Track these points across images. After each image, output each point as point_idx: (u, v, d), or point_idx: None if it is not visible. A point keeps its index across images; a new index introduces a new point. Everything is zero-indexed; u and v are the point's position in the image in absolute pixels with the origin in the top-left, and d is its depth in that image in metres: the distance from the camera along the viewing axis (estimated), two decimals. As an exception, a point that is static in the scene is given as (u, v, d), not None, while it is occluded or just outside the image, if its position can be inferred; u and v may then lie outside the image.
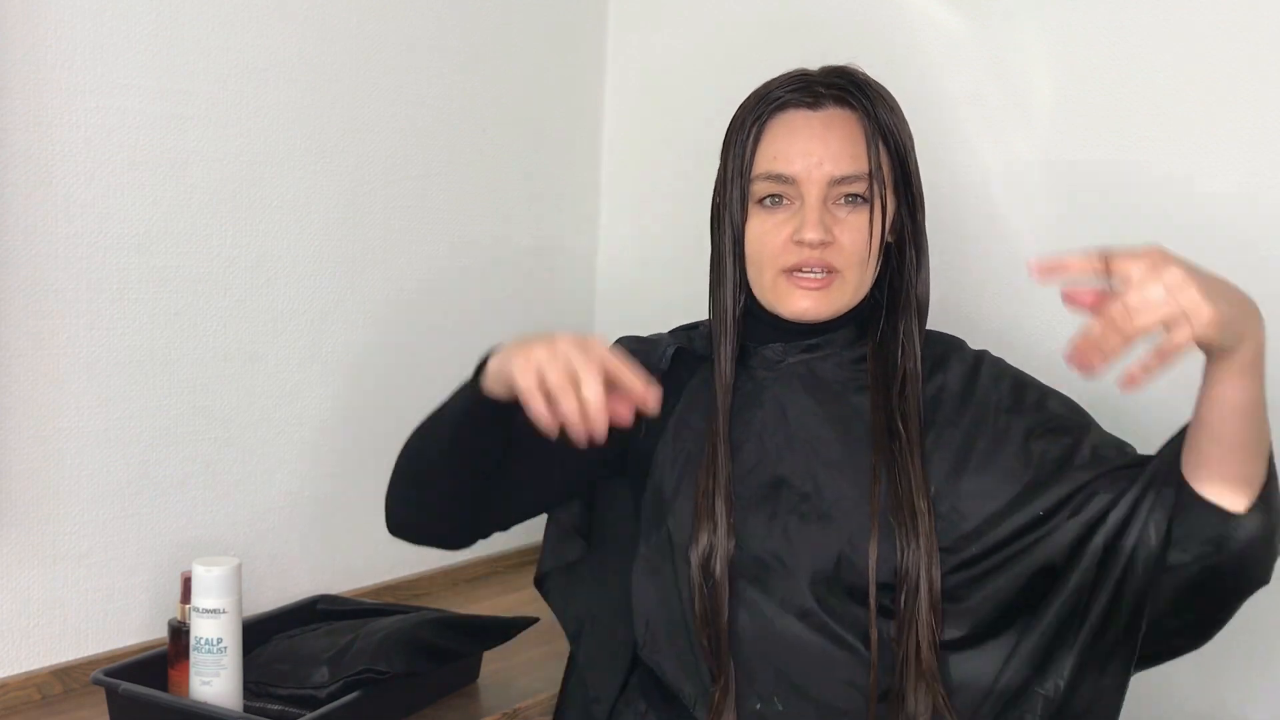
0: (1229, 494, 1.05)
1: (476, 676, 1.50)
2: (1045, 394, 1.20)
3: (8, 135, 1.32)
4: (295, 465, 1.64)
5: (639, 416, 1.02)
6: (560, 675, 1.50)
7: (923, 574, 1.11)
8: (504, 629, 1.49)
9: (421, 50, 1.76)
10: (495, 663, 1.52)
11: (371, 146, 1.70)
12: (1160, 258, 0.94)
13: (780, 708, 1.15)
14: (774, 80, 1.20)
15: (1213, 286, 0.95)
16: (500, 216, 1.92)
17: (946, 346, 1.24)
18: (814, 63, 1.25)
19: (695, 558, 1.14)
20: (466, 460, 1.15)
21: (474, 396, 1.09)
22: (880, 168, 1.14)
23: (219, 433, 1.55)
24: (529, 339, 1.02)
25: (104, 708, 1.31)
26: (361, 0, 1.66)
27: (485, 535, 1.24)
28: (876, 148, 1.14)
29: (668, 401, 1.24)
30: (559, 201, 2.03)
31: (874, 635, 1.12)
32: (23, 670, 1.38)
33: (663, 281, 1.98)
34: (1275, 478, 1.07)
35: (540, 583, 1.34)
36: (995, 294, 1.65)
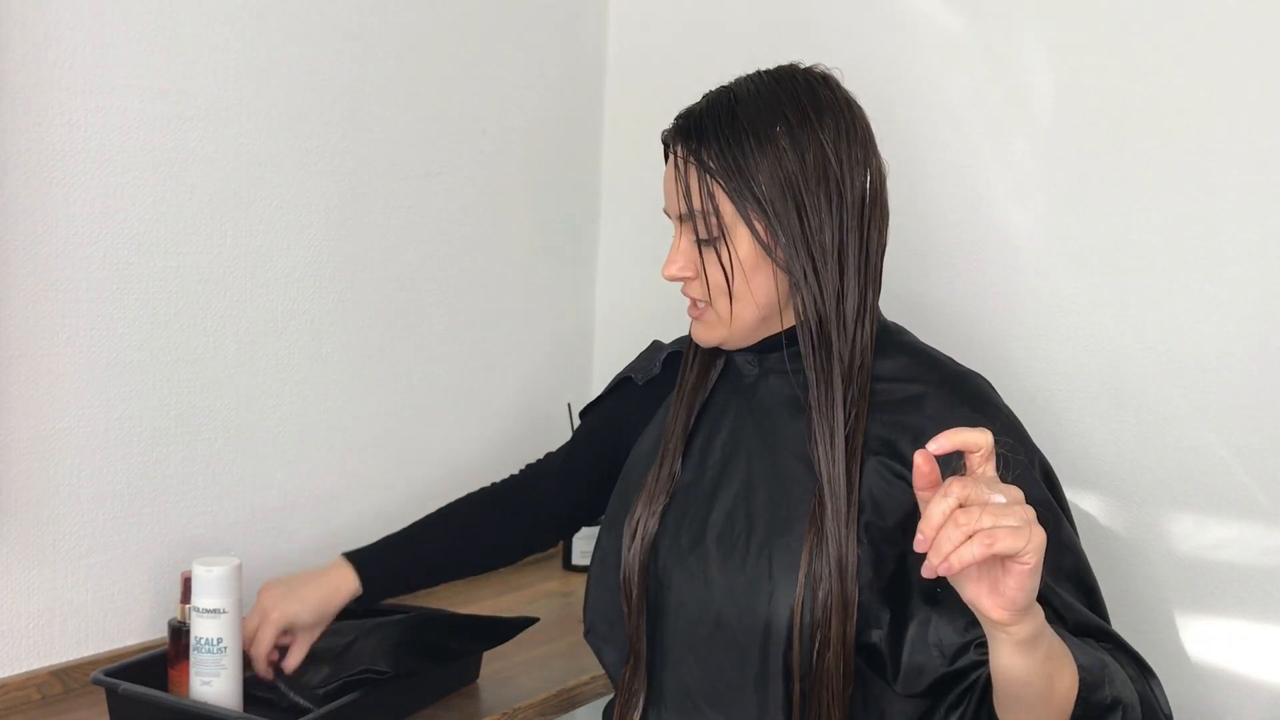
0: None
1: (476, 676, 1.50)
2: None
3: (8, 135, 1.32)
4: (295, 465, 1.64)
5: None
6: (560, 675, 1.51)
7: (834, 627, 1.10)
8: (504, 629, 1.49)
9: (421, 50, 1.76)
10: (495, 663, 1.52)
11: (371, 146, 1.70)
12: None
13: (692, 684, 1.18)
14: None
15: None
16: (500, 216, 1.92)
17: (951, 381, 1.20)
18: (814, 61, 1.25)
19: (627, 531, 1.21)
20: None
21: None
22: (710, 205, 1.15)
23: (219, 433, 1.55)
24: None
25: (104, 708, 1.31)
26: (361, 0, 1.66)
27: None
28: (707, 189, 1.15)
29: (657, 401, 1.32)
30: (559, 201, 2.03)
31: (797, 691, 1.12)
32: (23, 670, 1.38)
33: (662, 281, 1.98)
34: None
35: (588, 634, 1.33)
36: (993, 294, 1.65)
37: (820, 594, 1.10)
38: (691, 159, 1.16)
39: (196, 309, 1.51)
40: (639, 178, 2.06)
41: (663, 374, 1.34)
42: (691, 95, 2.03)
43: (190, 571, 1.29)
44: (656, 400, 1.32)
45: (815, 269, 1.14)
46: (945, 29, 1.68)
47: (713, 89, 1.22)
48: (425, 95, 1.77)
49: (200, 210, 1.50)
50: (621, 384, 1.38)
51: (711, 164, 1.15)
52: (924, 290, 1.68)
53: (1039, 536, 0.85)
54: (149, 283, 1.46)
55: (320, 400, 1.67)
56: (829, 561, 1.10)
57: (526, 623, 1.50)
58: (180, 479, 1.51)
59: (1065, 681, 0.98)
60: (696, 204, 1.16)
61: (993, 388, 1.21)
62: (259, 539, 1.60)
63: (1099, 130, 1.57)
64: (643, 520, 1.21)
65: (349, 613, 1.56)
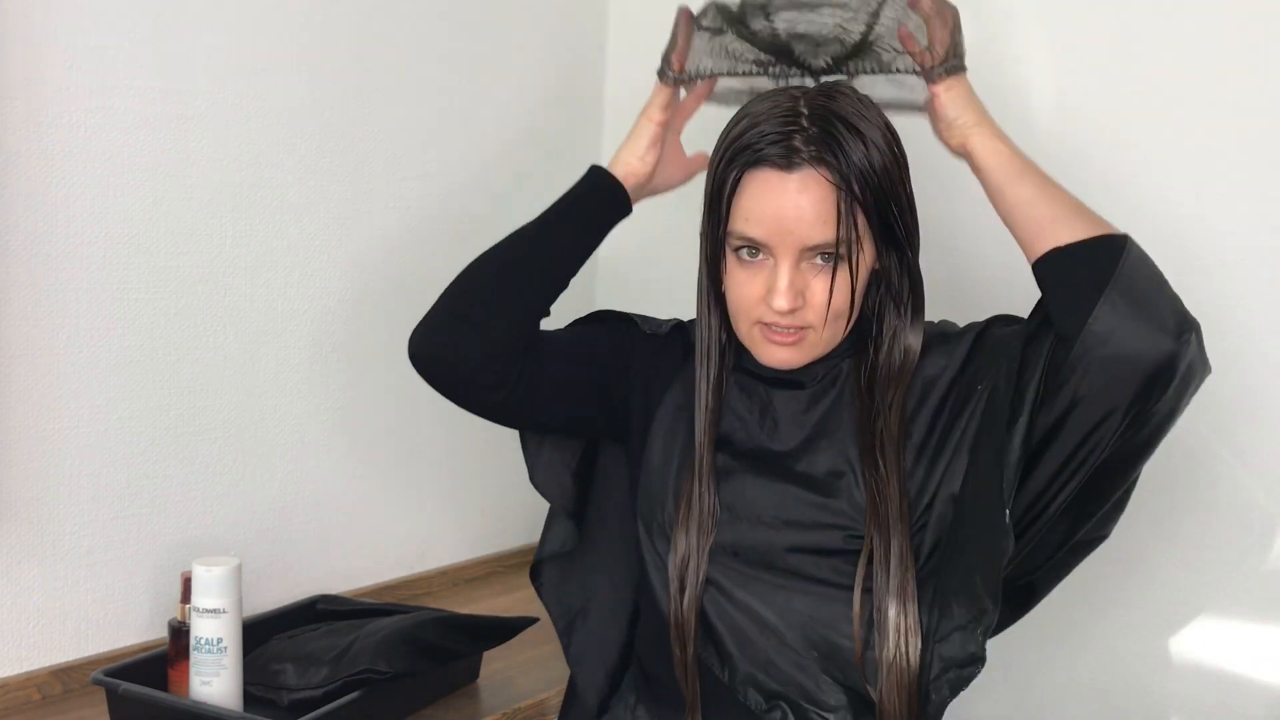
0: (1049, 230, 1.15)
1: (476, 676, 1.50)
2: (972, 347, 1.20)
3: (8, 135, 1.32)
4: (295, 465, 1.64)
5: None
6: (560, 675, 1.50)
7: (896, 563, 1.13)
8: (504, 629, 1.49)
9: (421, 50, 1.76)
10: (495, 663, 1.52)
11: (371, 146, 1.70)
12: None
13: (767, 705, 1.17)
14: (758, 118, 1.14)
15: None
16: (500, 216, 1.92)
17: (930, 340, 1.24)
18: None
19: (673, 573, 1.18)
20: (567, 238, 1.28)
21: (601, 179, 1.29)
22: (854, 231, 1.12)
23: (219, 433, 1.55)
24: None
25: (104, 708, 1.31)
26: (361, 0, 1.66)
27: (514, 383, 1.23)
28: (851, 212, 1.11)
29: (663, 381, 1.27)
30: (559, 201, 2.03)
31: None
32: (23, 670, 1.38)
33: (663, 282, 1.98)
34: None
35: (535, 575, 1.34)
36: (993, 294, 1.65)
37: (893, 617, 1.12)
38: (841, 186, 1.10)
39: (196, 309, 1.51)
40: (639, 178, 2.06)
41: (665, 337, 1.29)
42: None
43: (190, 571, 1.29)
44: (656, 370, 1.28)
45: (915, 262, 1.21)
46: (945, 29, 1.68)
47: (795, 102, 1.13)
48: (425, 95, 1.77)
49: (200, 210, 1.50)
50: (624, 320, 1.31)
51: (857, 190, 1.11)
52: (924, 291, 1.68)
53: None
54: (149, 283, 1.46)
55: (320, 400, 1.67)
56: (891, 577, 1.13)
57: (526, 623, 1.50)
58: (180, 479, 1.51)
59: (1079, 205, 1.17)
60: (843, 233, 1.11)
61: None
62: (259, 539, 1.60)
63: (1099, 130, 1.56)
64: (692, 558, 1.18)
65: (348, 613, 1.56)
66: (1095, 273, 1.10)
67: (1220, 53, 1.48)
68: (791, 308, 1.12)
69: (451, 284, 1.28)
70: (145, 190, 1.44)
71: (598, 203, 1.30)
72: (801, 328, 1.15)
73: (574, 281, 1.31)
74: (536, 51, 1.95)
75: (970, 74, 1.70)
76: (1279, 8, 1.44)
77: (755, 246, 1.14)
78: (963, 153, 1.21)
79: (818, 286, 1.13)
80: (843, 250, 1.11)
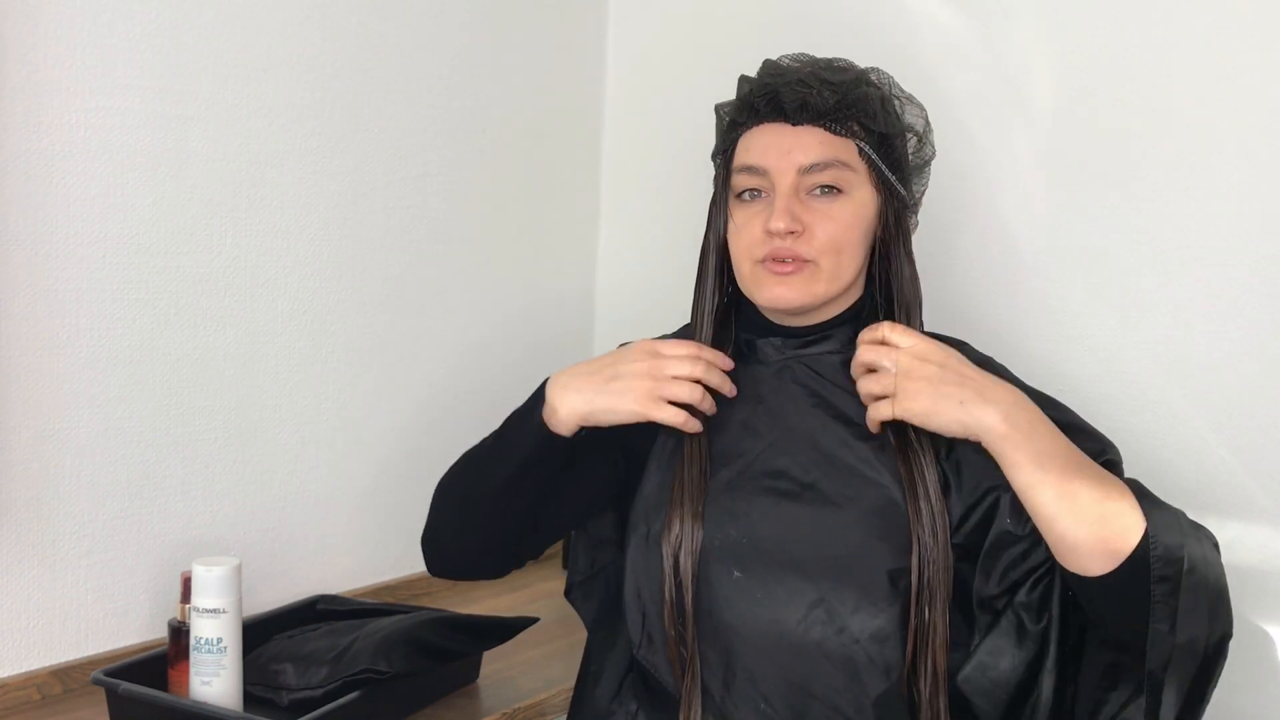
0: (1075, 561, 1.07)
1: (476, 676, 1.50)
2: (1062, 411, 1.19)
3: (8, 135, 1.32)
4: (295, 465, 1.64)
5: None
6: (560, 675, 1.50)
7: (939, 565, 1.12)
8: (504, 629, 1.49)
9: (421, 50, 1.76)
10: (495, 663, 1.52)
11: (371, 146, 1.70)
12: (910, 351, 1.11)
13: (771, 708, 1.15)
14: (766, 79, 1.21)
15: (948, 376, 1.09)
16: (500, 216, 1.92)
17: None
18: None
19: (667, 550, 1.17)
20: (528, 491, 1.22)
21: (543, 436, 1.18)
22: (857, 155, 1.17)
23: (219, 433, 1.55)
24: (594, 368, 1.17)
25: (104, 708, 1.31)
26: (362, 0, 1.67)
27: (522, 563, 1.31)
28: (854, 140, 1.17)
29: None
30: (559, 202, 2.03)
31: (915, 622, 1.14)
32: (23, 670, 1.38)
33: (663, 281, 1.98)
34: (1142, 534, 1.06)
35: (568, 593, 1.35)
36: (993, 293, 1.65)
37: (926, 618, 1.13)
38: (839, 116, 1.17)
39: (196, 309, 1.51)
40: (639, 178, 2.06)
41: None
42: (692, 95, 2.02)
43: (190, 571, 1.29)
44: None
45: (904, 249, 1.22)
46: (946, 29, 1.68)
47: (804, 59, 1.23)
48: (425, 95, 1.77)
49: (200, 210, 1.50)
50: None
51: (863, 126, 1.17)
52: (924, 289, 1.68)
53: (905, 366, 1.10)
54: (149, 283, 1.46)
55: (320, 400, 1.67)
56: (929, 570, 1.12)
57: (526, 623, 1.50)
58: (180, 479, 1.51)
59: (1098, 504, 1.05)
60: (832, 151, 1.16)
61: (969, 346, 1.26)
62: (259, 539, 1.60)
63: (1099, 130, 1.56)
64: (685, 535, 1.17)
65: (348, 613, 1.56)
66: (1137, 602, 1.06)
67: (1220, 51, 1.48)
68: (789, 228, 1.14)
69: (436, 506, 1.30)
70: (145, 190, 1.44)
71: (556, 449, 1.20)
72: (802, 260, 1.16)
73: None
74: (537, 51, 1.95)
75: (970, 74, 1.70)
76: (1278, 7, 1.44)
77: (756, 185, 1.18)
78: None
79: (818, 215, 1.16)
80: (838, 180, 1.16)
